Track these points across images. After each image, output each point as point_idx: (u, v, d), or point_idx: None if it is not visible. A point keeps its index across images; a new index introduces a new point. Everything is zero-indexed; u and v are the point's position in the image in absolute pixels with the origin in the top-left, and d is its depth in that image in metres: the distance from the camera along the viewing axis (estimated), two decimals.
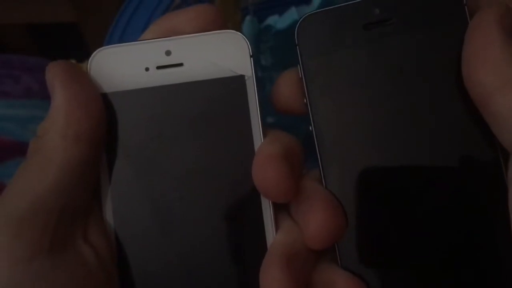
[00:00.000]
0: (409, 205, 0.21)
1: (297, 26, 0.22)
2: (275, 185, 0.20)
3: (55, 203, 0.19)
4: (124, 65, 0.22)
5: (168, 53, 0.22)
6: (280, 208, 0.22)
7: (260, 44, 0.42)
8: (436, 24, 0.21)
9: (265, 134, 0.22)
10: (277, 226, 0.21)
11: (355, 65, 0.22)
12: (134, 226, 0.22)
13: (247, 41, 0.22)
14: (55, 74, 0.20)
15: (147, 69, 0.22)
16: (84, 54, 0.23)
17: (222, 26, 0.22)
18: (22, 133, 0.50)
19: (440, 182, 0.21)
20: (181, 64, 0.22)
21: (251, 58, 0.22)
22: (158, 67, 0.22)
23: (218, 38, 0.22)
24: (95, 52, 0.22)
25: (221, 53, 0.22)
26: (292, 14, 0.40)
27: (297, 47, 0.22)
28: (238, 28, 0.45)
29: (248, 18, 0.41)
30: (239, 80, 0.22)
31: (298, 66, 0.22)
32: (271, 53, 0.42)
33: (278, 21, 0.40)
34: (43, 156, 0.20)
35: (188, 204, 0.22)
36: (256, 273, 0.20)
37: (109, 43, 0.44)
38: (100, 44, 0.23)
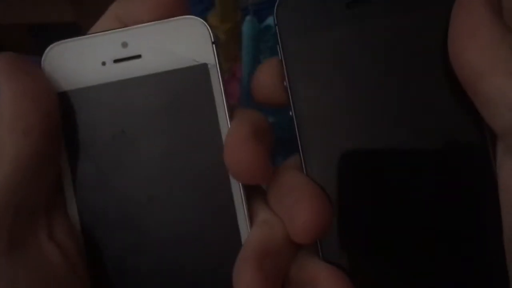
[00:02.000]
0: (393, 193, 0.20)
1: (276, 5, 0.21)
2: (248, 165, 0.19)
3: (9, 200, 0.18)
4: (80, 60, 0.21)
5: (124, 45, 0.21)
6: (257, 199, 0.21)
7: (260, 44, 0.42)
8: (421, 2, 0.20)
9: (232, 116, 0.21)
10: (251, 219, 0.21)
11: (337, 45, 0.21)
12: (101, 223, 0.21)
13: (208, 26, 0.21)
14: (0, 67, 0.19)
15: (103, 63, 0.21)
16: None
17: (185, 11, 0.21)
18: None
19: (425, 168, 0.20)
20: (139, 56, 0.21)
21: (213, 45, 0.21)
22: (115, 61, 0.21)
23: (177, 26, 0.21)
24: (48, 48, 0.21)
25: (180, 41, 0.21)
26: None
27: (276, 27, 0.21)
28: (238, 28, 0.45)
29: (248, 18, 0.41)
30: (202, 68, 0.21)
31: (278, 47, 0.21)
32: (271, 53, 0.42)
33: None
34: None
35: (155, 198, 0.21)
36: (230, 270, 0.20)
37: None
38: None
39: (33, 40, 0.77)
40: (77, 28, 0.69)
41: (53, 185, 0.21)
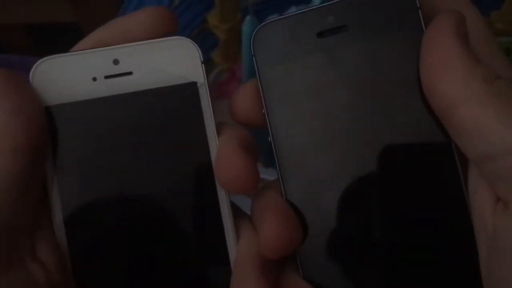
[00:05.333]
0: (370, 215, 0.21)
1: (252, 36, 0.22)
2: (239, 174, 0.20)
3: None
4: (70, 75, 0.21)
5: (116, 62, 0.21)
6: (241, 217, 0.22)
7: None
8: (391, 30, 0.21)
9: (218, 131, 0.22)
10: (237, 233, 0.21)
11: (311, 73, 0.21)
12: (88, 238, 0.21)
13: (197, 47, 0.22)
14: None
15: (94, 79, 0.21)
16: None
17: (175, 29, 0.22)
18: None
19: (399, 191, 0.21)
20: (130, 73, 0.21)
21: (202, 65, 0.22)
22: (106, 77, 0.21)
23: (167, 45, 0.22)
24: (38, 62, 0.21)
25: (171, 60, 0.22)
26: None
27: (253, 57, 0.22)
28: (238, 28, 0.45)
29: (248, 18, 0.41)
30: (191, 87, 0.22)
31: (256, 76, 0.22)
32: None
33: None
34: None
35: (144, 215, 0.21)
36: (217, 281, 0.21)
37: None
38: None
39: (32, 40, 0.77)
40: (77, 28, 0.69)
41: (37, 203, 0.20)
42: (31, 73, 0.21)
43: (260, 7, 0.47)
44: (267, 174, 0.33)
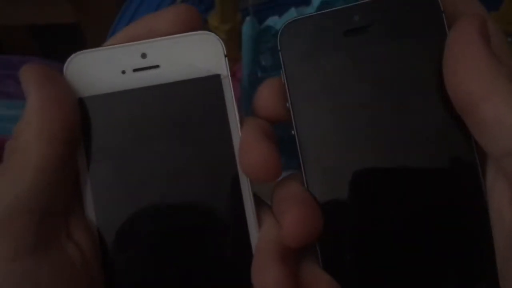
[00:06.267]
0: (389, 208, 0.22)
1: (279, 32, 0.23)
2: (263, 161, 0.20)
3: (35, 203, 0.19)
4: (101, 68, 0.22)
5: (144, 55, 0.23)
6: (263, 207, 0.23)
7: (260, 45, 0.42)
8: (415, 31, 0.22)
9: (241, 123, 0.22)
10: (259, 222, 0.22)
11: (336, 70, 0.22)
12: (117, 224, 0.22)
13: (221, 41, 0.23)
14: (29, 77, 0.21)
15: (123, 72, 0.22)
16: None
17: (200, 25, 0.23)
18: None
19: (419, 185, 0.21)
20: (157, 66, 0.23)
21: (226, 58, 0.23)
22: (135, 70, 0.22)
23: (193, 39, 0.23)
24: (71, 57, 0.22)
25: (196, 53, 0.23)
26: (292, 15, 0.40)
27: (280, 52, 0.23)
28: (238, 29, 0.45)
29: (248, 19, 0.41)
30: (215, 79, 0.22)
31: (281, 71, 0.23)
32: (271, 53, 0.42)
33: (278, 22, 0.40)
34: (19, 157, 0.20)
35: (170, 203, 0.22)
36: (240, 270, 0.21)
37: None
38: (100, 44, 0.24)
39: (33, 40, 0.77)
40: (77, 28, 0.69)
41: (72, 188, 0.22)
42: (64, 67, 0.22)
43: (260, 8, 0.48)
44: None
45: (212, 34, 0.23)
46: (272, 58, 0.42)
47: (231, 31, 0.47)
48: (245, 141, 0.21)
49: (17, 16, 0.67)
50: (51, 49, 0.69)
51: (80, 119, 0.22)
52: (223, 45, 0.23)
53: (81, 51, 0.22)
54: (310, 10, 0.39)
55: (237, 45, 0.48)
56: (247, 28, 0.41)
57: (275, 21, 0.40)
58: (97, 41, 0.24)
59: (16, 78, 0.51)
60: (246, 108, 0.42)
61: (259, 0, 0.48)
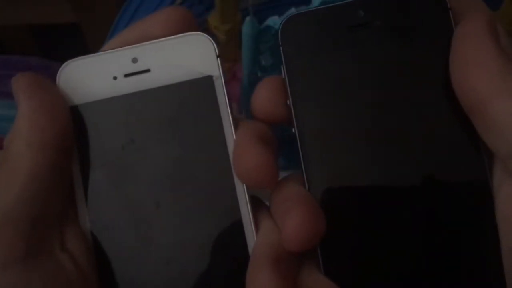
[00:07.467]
0: (392, 210, 0.21)
1: (280, 26, 0.22)
2: (257, 167, 0.20)
3: (26, 211, 0.19)
4: (92, 75, 0.22)
5: (134, 60, 0.22)
6: (261, 210, 0.22)
7: (260, 45, 0.42)
8: (420, 28, 0.21)
9: (236, 127, 0.22)
10: (256, 227, 0.21)
11: (338, 67, 0.21)
12: (111, 232, 0.22)
13: (213, 41, 0.22)
14: (19, 86, 0.21)
15: (115, 77, 0.22)
16: (84, 55, 0.23)
17: (195, 26, 0.23)
18: None
19: (423, 187, 0.21)
20: (148, 70, 0.22)
21: (218, 58, 0.22)
22: (126, 75, 0.22)
23: (183, 41, 0.22)
24: (63, 65, 0.22)
25: (187, 55, 0.22)
26: None
27: (280, 47, 0.22)
28: (238, 29, 0.45)
29: (248, 18, 0.41)
30: (207, 81, 0.22)
31: (282, 66, 0.22)
32: (271, 53, 0.42)
33: (278, 22, 0.40)
34: (9, 166, 0.20)
35: (164, 208, 0.22)
36: (236, 275, 0.20)
37: None
38: (100, 44, 0.24)
39: (33, 40, 0.77)
40: (77, 28, 0.69)
41: (65, 196, 0.21)
42: (57, 75, 0.22)
43: (260, 8, 0.47)
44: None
45: (204, 34, 0.22)
46: (272, 58, 0.42)
47: (231, 31, 0.47)
48: (238, 145, 0.21)
49: (17, 16, 0.67)
50: (51, 49, 0.69)
51: (73, 126, 0.22)
52: (215, 46, 0.22)
53: (73, 59, 0.22)
54: None
55: (237, 45, 0.48)
56: (247, 28, 0.41)
57: (275, 21, 0.40)
58: (97, 41, 0.24)
59: None
60: (246, 108, 0.42)
61: (259, 0, 0.48)
